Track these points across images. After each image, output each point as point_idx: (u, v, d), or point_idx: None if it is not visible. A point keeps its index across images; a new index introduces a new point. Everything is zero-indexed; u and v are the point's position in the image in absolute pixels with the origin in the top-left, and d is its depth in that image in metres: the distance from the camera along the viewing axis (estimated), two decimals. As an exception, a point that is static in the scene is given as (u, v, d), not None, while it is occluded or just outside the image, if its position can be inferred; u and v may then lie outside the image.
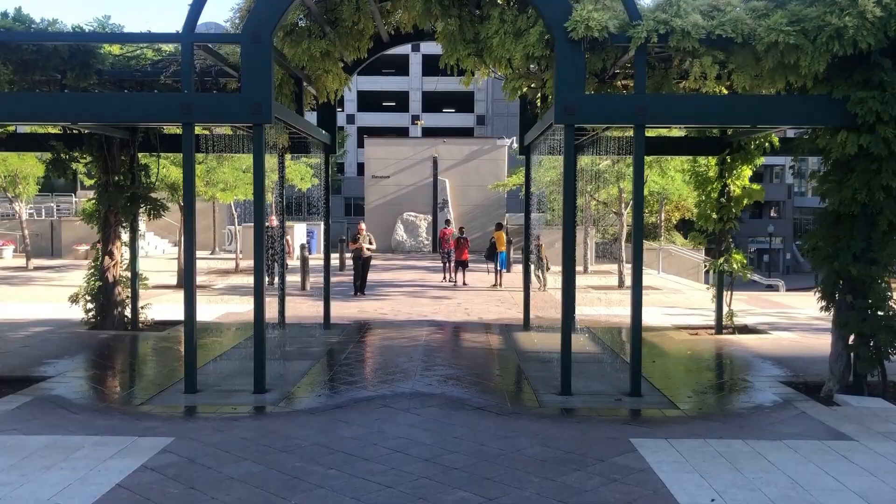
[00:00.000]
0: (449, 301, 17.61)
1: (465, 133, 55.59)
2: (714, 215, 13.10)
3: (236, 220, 25.27)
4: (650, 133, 17.61)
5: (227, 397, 8.62)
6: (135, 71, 10.82)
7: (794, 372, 10.11)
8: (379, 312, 15.70)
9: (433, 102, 70.69)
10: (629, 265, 23.26)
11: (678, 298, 18.69)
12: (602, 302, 17.04)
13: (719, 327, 13.37)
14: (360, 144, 45.43)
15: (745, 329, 13.60)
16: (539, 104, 11.41)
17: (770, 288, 27.51)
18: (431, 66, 70.62)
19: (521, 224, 38.74)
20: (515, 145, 39.00)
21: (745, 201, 13.14)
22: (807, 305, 17.58)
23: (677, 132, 16.81)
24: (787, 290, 26.80)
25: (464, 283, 21.03)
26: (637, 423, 7.83)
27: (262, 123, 8.60)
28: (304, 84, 11.83)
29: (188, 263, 8.81)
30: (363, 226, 19.80)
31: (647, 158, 19.24)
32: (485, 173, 35.56)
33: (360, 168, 45.92)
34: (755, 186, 13.20)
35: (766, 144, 12.66)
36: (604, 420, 7.83)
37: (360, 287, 18.62)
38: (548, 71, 9.24)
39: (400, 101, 71.54)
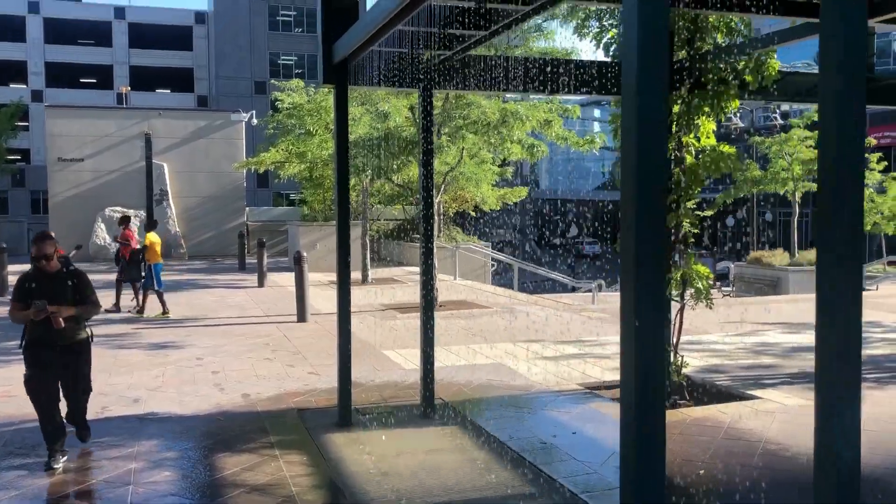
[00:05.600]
0: (180, 354, 10.34)
1: (186, 113, 46.62)
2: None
3: None
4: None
5: None
6: None
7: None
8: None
9: (144, 79, 60.24)
10: (445, 276, 17.38)
11: (534, 319, 13.07)
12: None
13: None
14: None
15: (693, 386, 8.20)
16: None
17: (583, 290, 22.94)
18: (140, 36, 60.12)
19: (265, 220, 31.59)
20: (255, 120, 31.61)
21: (707, 172, 7.83)
22: (712, 327, 12.39)
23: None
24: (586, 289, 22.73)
25: (165, 312, 13.52)
26: None
27: None
28: None
29: None
30: (52, 248, 5.84)
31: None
32: (217, 156, 27.84)
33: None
34: (725, 148, 7.85)
35: (759, 75, 7.39)
36: None
37: (75, 431, 6.23)
38: None
39: (102, 77, 60.23)
